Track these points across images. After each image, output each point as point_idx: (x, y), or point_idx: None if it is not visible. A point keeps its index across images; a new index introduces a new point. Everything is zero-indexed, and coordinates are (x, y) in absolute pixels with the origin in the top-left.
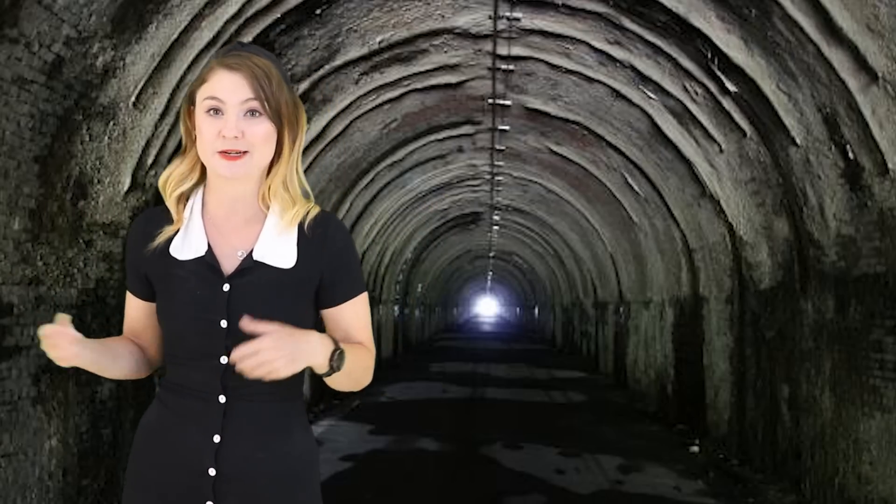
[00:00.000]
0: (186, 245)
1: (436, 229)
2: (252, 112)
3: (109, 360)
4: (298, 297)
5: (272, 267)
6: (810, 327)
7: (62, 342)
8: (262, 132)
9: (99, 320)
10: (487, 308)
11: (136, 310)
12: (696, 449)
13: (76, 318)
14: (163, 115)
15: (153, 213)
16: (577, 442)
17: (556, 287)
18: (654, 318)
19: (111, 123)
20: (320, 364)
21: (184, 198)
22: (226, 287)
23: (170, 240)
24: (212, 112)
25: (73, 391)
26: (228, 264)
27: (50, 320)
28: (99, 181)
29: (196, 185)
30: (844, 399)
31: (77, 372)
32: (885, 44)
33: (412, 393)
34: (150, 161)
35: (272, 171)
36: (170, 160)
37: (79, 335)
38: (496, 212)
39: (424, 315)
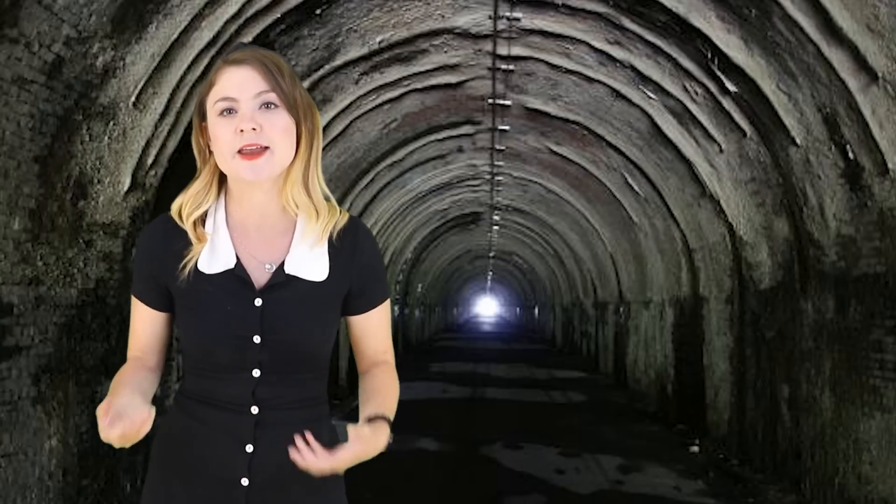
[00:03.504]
0: (214, 258)
1: (436, 229)
2: (267, 104)
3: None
4: (330, 308)
5: (305, 280)
6: (810, 327)
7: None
8: (280, 124)
9: (99, 320)
10: (487, 308)
11: (150, 324)
12: (696, 449)
13: (76, 318)
14: (163, 115)
15: (169, 222)
16: (577, 442)
17: (556, 287)
18: (654, 318)
19: (111, 123)
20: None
21: (201, 218)
22: (258, 302)
23: (196, 254)
24: (225, 113)
25: (73, 391)
26: (258, 277)
27: (50, 320)
28: (99, 181)
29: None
30: (844, 399)
31: (77, 372)
32: (885, 44)
33: (412, 393)
34: (150, 161)
35: (290, 170)
36: (170, 160)
37: (144, 415)
38: (496, 212)
39: (424, 315)
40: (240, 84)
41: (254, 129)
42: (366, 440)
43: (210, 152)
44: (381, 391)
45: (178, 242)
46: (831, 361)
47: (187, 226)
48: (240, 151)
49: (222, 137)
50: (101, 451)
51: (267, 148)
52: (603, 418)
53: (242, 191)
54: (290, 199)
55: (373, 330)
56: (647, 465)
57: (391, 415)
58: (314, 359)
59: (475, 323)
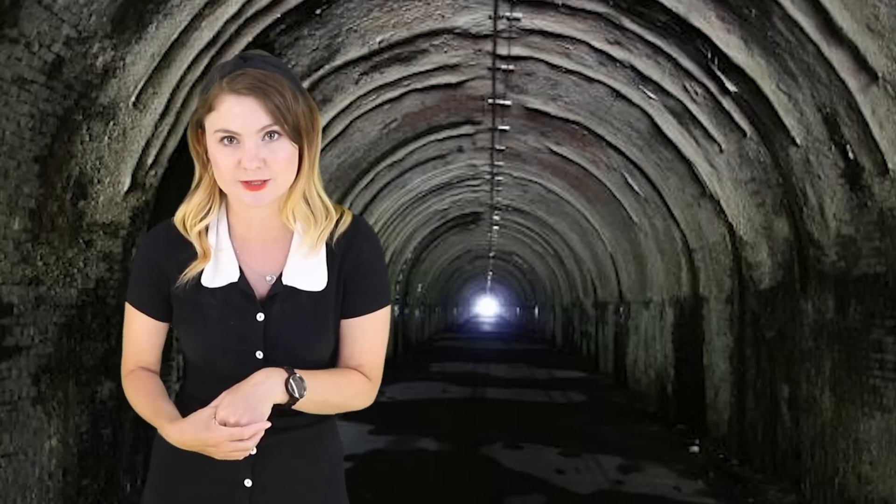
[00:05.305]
0: (218, 271)
1: (436, 229)
2: (270, 134)
3: None
4: (331, 317)
5: (304, 291)
6: (810, 327)
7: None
8: (283, 157)
9: (99, 320)
10: (487, 308)
11: (149, 334)
12: (696, 449)
13: (76, 318)
14: (163, 115)
15: (171, 231)
16: (577, 442)
17: (556, 287)
18: (654, 318)
19: (111, 123)
20: (280, 394)
21: (205, 229)
22: (260, 317)
23: (200, 266)
24: (226, 142)
25: (73, 391)
26: (260, 289)
27: (50, 320)
28: (99, 181)
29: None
30: (844, 399)
31: (77, 372)
32: (885, 44)
33: (412, 393)
34: (150, 161)
35: (292, 186)
36: (170, 160)
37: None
38: (496, 212)
39: (424, 315)
40: (242, 118)
41: (258, 167)
42: (243, 383)
43: (208, 159)
44: (326, 372)
45: (182, 252)
46: (831, 361)
47: (192, 237)
48: (242, 181)
49: (224, 167)
50: (101, 451)
51: (269, 179)
52: (603, 418)
53: (244, 209)
54: (289, 215)
55: (351, 338)
56: (647, 465)
57: (308, 380)
58: (316, 367)
59: (475, 323)
